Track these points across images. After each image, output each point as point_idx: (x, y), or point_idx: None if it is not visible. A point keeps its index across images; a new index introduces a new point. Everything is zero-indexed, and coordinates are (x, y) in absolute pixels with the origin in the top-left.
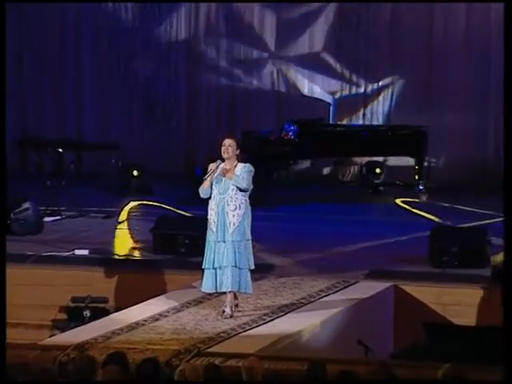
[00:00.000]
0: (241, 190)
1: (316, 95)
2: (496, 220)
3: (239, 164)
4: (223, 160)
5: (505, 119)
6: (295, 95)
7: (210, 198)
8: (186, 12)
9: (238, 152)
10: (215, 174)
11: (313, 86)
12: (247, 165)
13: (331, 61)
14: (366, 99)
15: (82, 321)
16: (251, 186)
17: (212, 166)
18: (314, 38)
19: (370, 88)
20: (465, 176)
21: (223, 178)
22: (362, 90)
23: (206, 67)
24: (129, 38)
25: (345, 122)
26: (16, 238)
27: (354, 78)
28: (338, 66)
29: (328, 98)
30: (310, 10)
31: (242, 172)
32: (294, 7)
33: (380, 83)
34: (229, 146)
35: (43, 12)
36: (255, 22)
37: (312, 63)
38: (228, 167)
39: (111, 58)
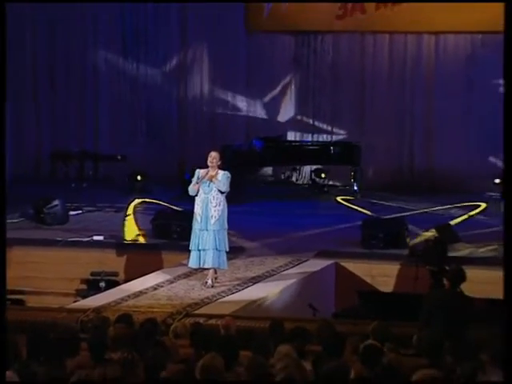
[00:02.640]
0: (221, 192)
1: (276, 119)
2: (411, 213)
3: (220, 171)
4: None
5: (505, 123)
6: (261, 119)
7: (196, 195)
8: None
9: (219, 162)
10: (203, 179)
11: (274, 112)
12: (226, 172)
13: (288, 92)
14: (315, 120)
15: (99, 290)
16: (229, 189)
17: (202, 173)
18: (275, 78)
19: (318, 112)
20: (388, 179)
21: (208, 182)
22: (311, 113)
23: (192, 96)
24: (133, 73)
25: (298, 138)
26: (48, 228)
27: (305, 105)
28: (293, 96)
29: (285, 121)
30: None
31: (223, 178)
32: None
33: (324, 109)
34: (214, 157)
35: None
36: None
37: (275, 96)
38: (212, 173)
39: (121, 87)
